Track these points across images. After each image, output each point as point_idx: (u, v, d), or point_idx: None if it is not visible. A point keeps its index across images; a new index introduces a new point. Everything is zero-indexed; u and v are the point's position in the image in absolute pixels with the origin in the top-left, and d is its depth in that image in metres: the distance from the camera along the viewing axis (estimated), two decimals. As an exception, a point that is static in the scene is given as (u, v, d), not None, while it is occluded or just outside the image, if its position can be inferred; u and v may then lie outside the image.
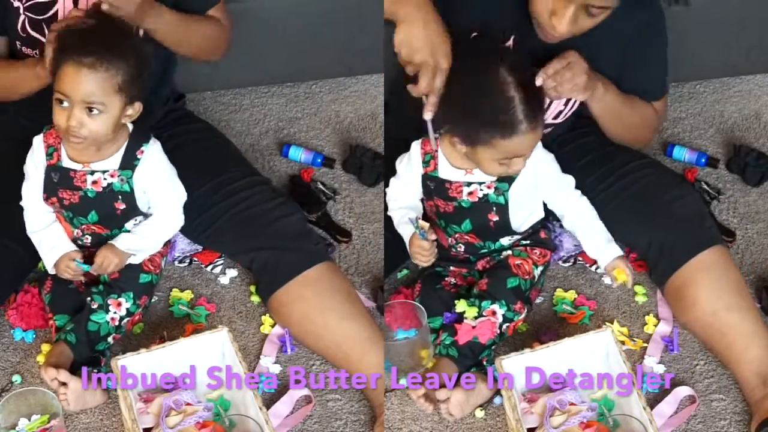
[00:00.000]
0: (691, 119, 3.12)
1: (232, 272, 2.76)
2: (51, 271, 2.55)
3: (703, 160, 2.98)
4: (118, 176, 2.50)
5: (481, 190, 2.53)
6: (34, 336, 2.61)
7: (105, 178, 2.51)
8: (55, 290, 2.58)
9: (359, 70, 3.18)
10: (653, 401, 2.50)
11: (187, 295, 2.72)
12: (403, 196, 2.60)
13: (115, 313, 2.54)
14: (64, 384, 2.42)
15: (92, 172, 2.50)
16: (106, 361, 2.52)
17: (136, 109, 2.45)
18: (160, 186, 2.54)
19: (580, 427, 2.35)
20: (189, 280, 2.75)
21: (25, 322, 2.61)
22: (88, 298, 2.54)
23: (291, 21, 3.05)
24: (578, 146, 2.72)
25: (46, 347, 2.57)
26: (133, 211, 2.55)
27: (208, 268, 2.77)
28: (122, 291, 2.55)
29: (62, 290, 2.58)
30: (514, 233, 2.60)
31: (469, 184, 2.54)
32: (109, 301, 2.53)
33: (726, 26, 3.06)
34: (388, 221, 2.65)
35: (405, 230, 2.56)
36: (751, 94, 3.18)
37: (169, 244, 2.67)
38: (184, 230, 2.70)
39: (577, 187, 2.66)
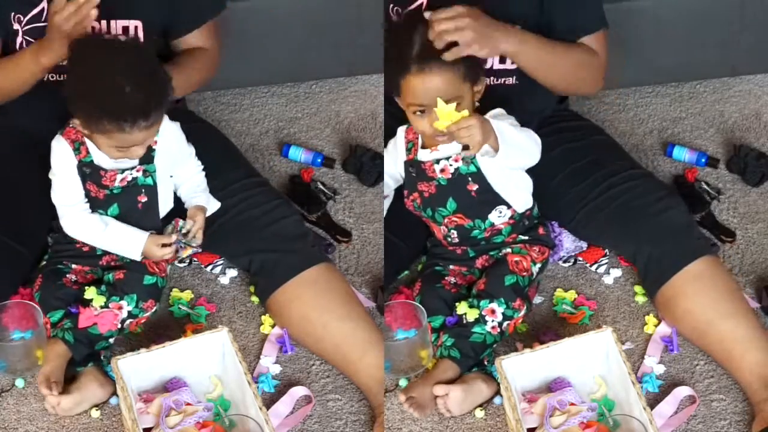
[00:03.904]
0: (691, 119, 3.12)
1: (232, 272, 2.76)
2: (138, 258, 2.54)
3: (703, 160, 2.98)
4: (143, 170, 2.53)
5: (450, 165, 2.54)
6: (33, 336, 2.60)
7: (131, 173, 2.53)
8: (45, 287, 2.56)
9: (359, 70, 3.18)
10: (653, 401, 2.50)
11: (187, 295, 2.72)
12: (389, 168, 2.64)
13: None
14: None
15: (122, 171, 2.51)
16: (106, 355, 2.53)
17: None
18: (180, 162, 2.59)
19: (580, 427, 2.35)
20: (189, 280, 2.75)
21: (20, 324, 2.59)
22: (86, 296, 2.53)
23: (291, 21, 3.05)
24: (565, 151, 2.70)
25: (40, 353, 2.50)
26: (152, 207, 2.56)
27: (208, 268, 2.77)
28: (124, 294, 2.53)
29: (53, 286, 2.54)
30: (503, 204, 2.57)
31: (437, 161, 2.54)
32: (110, 304, 2.52)
33: (726, 26, 3.05)
34: (388, 221, 2.65)
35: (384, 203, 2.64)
36: (751, 94, 3.17)
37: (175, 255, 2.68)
38: (183, 230, 2.71)
39: (563, 196, 2.67)
